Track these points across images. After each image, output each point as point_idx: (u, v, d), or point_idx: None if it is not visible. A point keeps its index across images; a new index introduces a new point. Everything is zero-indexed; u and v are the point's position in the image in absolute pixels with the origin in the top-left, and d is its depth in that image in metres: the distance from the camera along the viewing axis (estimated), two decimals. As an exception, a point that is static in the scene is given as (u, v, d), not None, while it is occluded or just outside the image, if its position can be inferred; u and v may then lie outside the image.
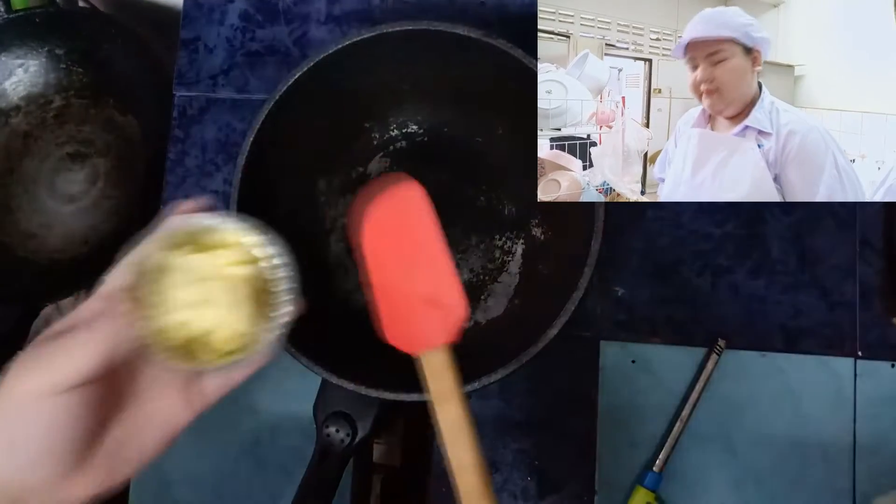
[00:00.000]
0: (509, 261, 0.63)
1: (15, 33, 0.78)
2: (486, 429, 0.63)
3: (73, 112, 0.83)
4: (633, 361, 0.62)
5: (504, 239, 0.63)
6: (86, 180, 0.82)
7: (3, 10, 0.75)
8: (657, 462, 0.60)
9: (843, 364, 0.61)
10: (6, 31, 0.78)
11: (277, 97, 0.55)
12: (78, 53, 0.81)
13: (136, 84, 0.81)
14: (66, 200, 0.82)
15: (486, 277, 0.63)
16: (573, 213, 0.55)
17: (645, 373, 0.62)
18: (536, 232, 0.62)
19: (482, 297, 0.63)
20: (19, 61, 0.80)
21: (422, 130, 0.65)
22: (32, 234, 0.81)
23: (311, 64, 0.55)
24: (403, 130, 0.65)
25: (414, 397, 0.51)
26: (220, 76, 0.71)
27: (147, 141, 0.81)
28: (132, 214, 0.80)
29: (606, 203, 0.51)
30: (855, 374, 0.61)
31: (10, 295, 0.75)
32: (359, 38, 0.54)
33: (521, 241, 0.63)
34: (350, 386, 0.52)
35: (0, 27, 0.77)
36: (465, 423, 0.38)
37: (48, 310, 1.03)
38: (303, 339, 0.54)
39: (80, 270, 0.79)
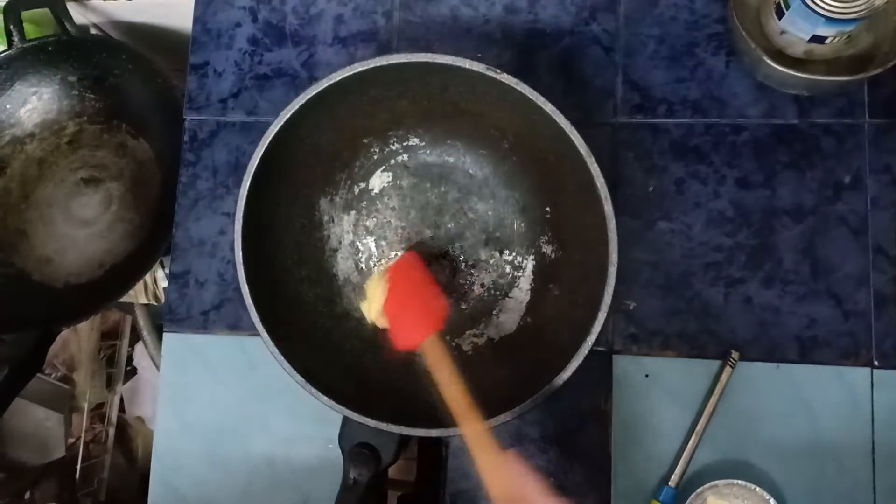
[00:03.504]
0: (520, 276, 0.63)
1: (29, 62, 0.80)
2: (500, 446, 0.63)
3: (87, 137, 0.84)
4: (647, 375, 0.62)
5: (514, 254, 0.63)
6: (100, 204, 0.83)
7: (16, 39, 0.77)
8: (673, 477, 0.59)
9: (859, 374, 0.60)
10: (20, 60, 0.79)
11: (274, 133, 0.56)
12: (90, 80, 0.82)
13: (148, 109, 0.82)
14: (80, 225, 0.83)
15: (497, 293, 0.63)
16: (586, 238, 0.55)
17: (658, 387, 0.62)
18: (547, 249, 0.62)
19: (494, 313, 0.63)
20: (33, 89, 0.82)
21: (423, 143, 0.65)
22: (48, 259, 0.82)
23: (305, 100, 0.55)
24: (404, 143, 0.65)
25: (434, 433, 0.51)
26: (230, 99, 0.71)
27: (160, 164, 0.82)
28: (146, 237, 0.81)
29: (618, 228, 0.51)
30: (871, 384, 0.60)
31: (26, 320, 0.75)
32: (359, 71, 0.54)
33: (532, 256, 0.63)
34: (371, 423, 0.53)
35: (14, 56, 0.78)
36: (453, 375, 0.50)
37: (65, 334, 1.04)
38: (321, 371, 0.54)
39: (95, 294, 0.80)
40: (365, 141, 0.65)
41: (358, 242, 0.66)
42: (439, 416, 0.51)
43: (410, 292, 0.57)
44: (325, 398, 0.54)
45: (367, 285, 0.60)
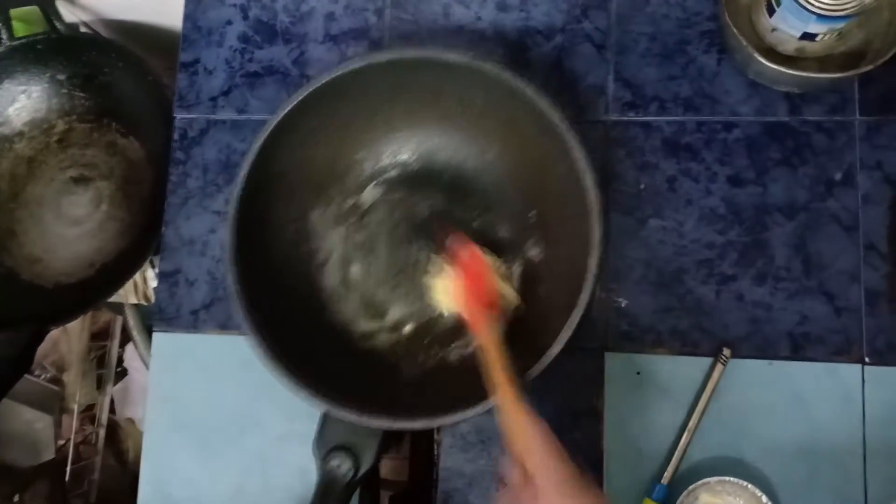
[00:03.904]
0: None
1: (18, 60, 0.79)
2: (492, 444, 0.63)
3: (77, 136, 0.84)
4: (639, 373, 0.62)
5: (501, 262, 0.63)
6: (90, 203, 0.83)
7: (5, 37, 0.76)
8: (665, 474, 0.59)
9: (851, 370, 0.60)
10: (9, 58, 0.79)
11: (270, 130, 0.56)
12: (80, 78, 0.82)
13: (138, 107, 0.81)
14: (71, 224, 0.83)
15: (485, 301, 0.63)
16: (570, 231, 0.55)
17: (651, 384, 0.62)
18: (533, 252, 0.63)
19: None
20: (22, 87, 0.81)
21: (414, 158, 0.66)
22: (38, 258, 0.81)
23: (302, 97, 0.55)
24: (396, 158, 0.66)
25: (418, 425, 0.51)
26: (220, 97, 0.71)
27: (150, 163, 0.82)
28: (137, 236, 0.81)
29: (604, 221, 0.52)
30: (863, 381, 0.60)
31: (16, 319, 0.75)
32: (348, 70, 0.55)
33: (518, 262, 0.63)
34: (352, 417, 0.52)
35: (2, 54, 0.78)
36: (502, 361, 0.51)
37: (55, 334, 1.04)
38: (303, 373, 0.54)
39: (86, 293, 0.80)
40: (359, 155, 0.65)
41: (346, 256, 0.66)
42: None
43: (473, 282, 0.59)
44: (304, 392, 0.53)
45: (432, 279, 0.62)
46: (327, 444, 0.55)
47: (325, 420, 0.56)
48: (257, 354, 0.55)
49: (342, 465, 0.54)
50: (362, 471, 0.54)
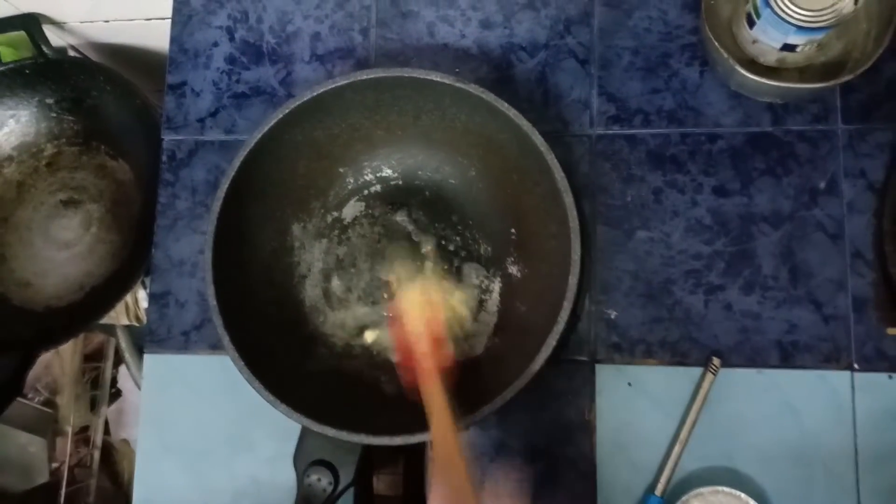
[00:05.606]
0: (487, 299, 0.63)
1: (5, 85, 0.80)
2: (485, 459, 0.63)
3: (66, 159, 0.84)
4: (630, 384, 0.62)
5: (481, 278, 0.64)
6: (80, 226, 0.83)
7: (-7, 63, 0.77)
8: (658, 485, 0.59)
9: (841, 377, 0.60)
10: (-3, 84, 0.79)
11: (252, 146, 0.56)
12: (68, 102, 0.82)
13: (127, 129, 0.82)
14: (60, 247, 0.83)
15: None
16: (549, 249, 0.55)
17: (641, 395, 0.62)
18: (513, 269, 0.63)
19: (461, 337, 0.63)
20: (10, 112, 0.82)
21: (396, 174, 0.66)
22: (28, 283, 0.81)
23: (285, 113, 0.56)
24: (378, 174, 0.66)
25: (397, 441, 0.51)
26: (208, 119, 0.71)
27: (139, 185, 0.82)
28: (126, 258, 0.81)
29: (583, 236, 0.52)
30: (853, 388, 0.60)
31: (6, 344, 0.75)
32: (329, 88, 0.55)
33: (498, 279, 0.63)
34: (331, 432, 0.52)
35: (-9, 79, 0.78)
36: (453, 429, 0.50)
37: (48, 357, 1.03)
38: (282, 387, 0.54)
39: (76, 317, 0.79)
40: (341, 170, 0.66)
41: (327, 270, 0.66)
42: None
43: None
44: (282, 406, 0.53)
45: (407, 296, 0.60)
46: (307, 458, 0.55)
47: (305, 434, 0.56)
48: (236, 367, 0.55)
49: (321, 480, 0.54)
50: (341, 486, 0.54)
